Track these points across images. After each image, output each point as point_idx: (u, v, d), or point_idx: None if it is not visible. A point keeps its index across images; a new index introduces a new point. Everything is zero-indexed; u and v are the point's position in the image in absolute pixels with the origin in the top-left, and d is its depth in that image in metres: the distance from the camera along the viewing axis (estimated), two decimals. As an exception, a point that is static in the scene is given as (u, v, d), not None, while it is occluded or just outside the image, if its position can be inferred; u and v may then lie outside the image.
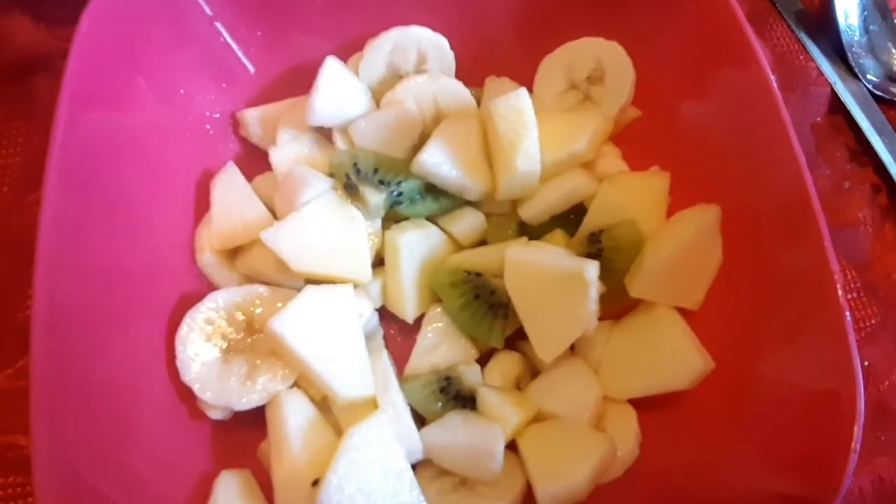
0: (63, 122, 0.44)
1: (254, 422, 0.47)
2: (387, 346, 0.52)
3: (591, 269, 0.45)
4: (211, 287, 0.52)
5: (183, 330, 0.46)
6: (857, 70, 0.68)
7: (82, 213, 0.44)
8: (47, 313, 0.41)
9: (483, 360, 0.53)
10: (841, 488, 0.38)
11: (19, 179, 0.60)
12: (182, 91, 0.54)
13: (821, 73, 0.68)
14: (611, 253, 0.50)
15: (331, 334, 0.46)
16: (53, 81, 0.64)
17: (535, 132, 0.50)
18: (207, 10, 0.53)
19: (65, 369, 0.41)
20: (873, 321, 0.60)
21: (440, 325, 0.52)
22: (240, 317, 0.48)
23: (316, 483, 0.42)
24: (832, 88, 0.67)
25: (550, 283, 0.47)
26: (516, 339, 0.53)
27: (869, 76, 0.68)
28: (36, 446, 0.38)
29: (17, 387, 0.54)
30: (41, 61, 0.64)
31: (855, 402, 0.39)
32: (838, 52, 0.69)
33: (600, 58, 0.55)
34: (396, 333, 0.55)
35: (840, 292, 0.41)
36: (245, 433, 0.48)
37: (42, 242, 0.41)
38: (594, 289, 0.45)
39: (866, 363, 0.58)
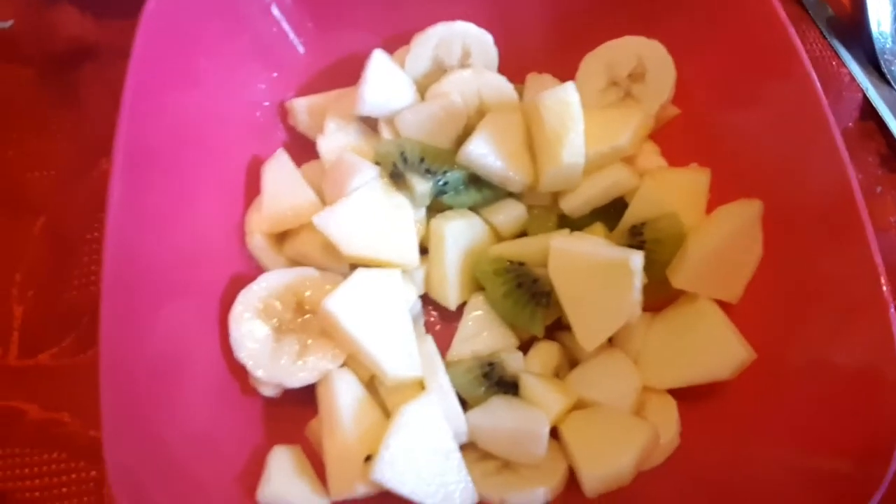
0: (128, 106, 0.44)
1: (301, 400, 0.48)
2: (428, 333, 0.53)
3: (636, 258, 0.46)
4: (259, 269, 0.53)
5: (236, 309, 0.47)
6: (889, 76, 0.69)
7: (143, 194, 0.46)
8: (113, 290, 0.42)
9: (522, 349, 0.53)
10: (888, 471, 0.38)
11: (66, 165, 0.62)
12: (236, 79, 0.55)
13: (853, 79, 0.69)
14: (653, 245, 0.51)
15: (381, 316, 0.47)
16: (99, 71, 0.67)
17: (581, 125, 0.51)
18: (265, -2, 0.55)
19: (128, 345, 0.42)
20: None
21: (481, 313, 0.53)
22: (290, 298, 0.49)
23: (368, 459, 0.43)
24: (864, 94, 0.68)
25: (595, 272, 0.48)
26: (555, 330, 0.54)
27: (901, 82, 0.69)
28: (105, 415, 0.39)
29: (61, 365, 0.55)
30: (88, 51, 0.67)
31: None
32: (870, 59, 0.70)
33: (642, 56, 0.57)
34: (436, 321, 0.56)
35: (885, 286, 0.42)
36: (293, 411, 0.49)
37: (110, 220, 0.42)
38: (638, 278, 0.46)
39: None
